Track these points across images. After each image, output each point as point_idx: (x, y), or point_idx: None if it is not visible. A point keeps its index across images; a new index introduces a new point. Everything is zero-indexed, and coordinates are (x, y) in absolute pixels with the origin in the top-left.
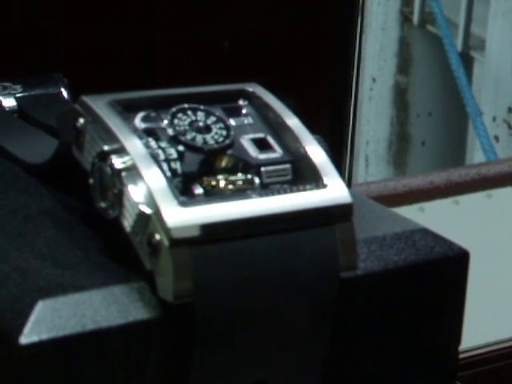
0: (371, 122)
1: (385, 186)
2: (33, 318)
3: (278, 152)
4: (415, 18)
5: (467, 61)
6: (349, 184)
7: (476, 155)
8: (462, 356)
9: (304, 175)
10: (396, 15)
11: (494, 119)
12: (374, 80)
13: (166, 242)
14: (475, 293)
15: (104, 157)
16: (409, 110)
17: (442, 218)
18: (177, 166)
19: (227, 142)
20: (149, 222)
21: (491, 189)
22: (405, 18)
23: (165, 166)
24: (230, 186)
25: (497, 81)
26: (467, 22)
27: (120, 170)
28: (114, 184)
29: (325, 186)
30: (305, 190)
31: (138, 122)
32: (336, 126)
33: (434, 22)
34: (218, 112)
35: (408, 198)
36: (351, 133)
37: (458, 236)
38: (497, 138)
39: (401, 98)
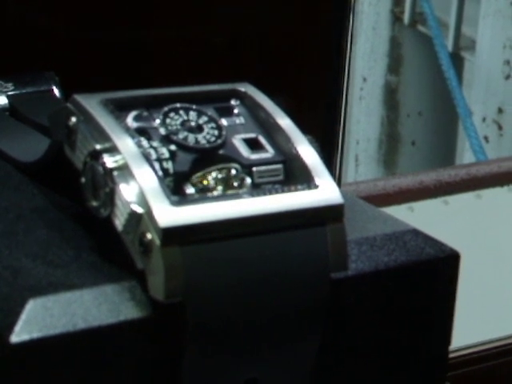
0: (361, 122)
1: (374, 185)
2: (24, 316)
3: (269, 152)
4: (406, 18)
5: (458, 61)
6: (338, 183)
7: (466, 155)
8: (451, 355)
9: (295, 175)
10: (387, 15)
11: (484, 120)
12: (364, 80)
13: (157, 242)
14: (465, 292)
15: (96, 156)
16: (399, 109)
17: (432, 218)
18: (168, 165)
19: (219, 141)
20: (140, 221)
21: (481, 189)
22: (395, 18)
23: (156, 165)
24: (222, 186)
25: (487, 81)
26: (458, 22)
27: (112, 169)
28: (105, 183)
29: (316, 187)
30: (296, 190)
31: (130, 121)
32: (327, 126)
33: (425, 22)
34: (210, 112)
35: (397, 198)
36: (342, 132)
37: (447, 236)
38: (486, 139)
39: (391, 98)
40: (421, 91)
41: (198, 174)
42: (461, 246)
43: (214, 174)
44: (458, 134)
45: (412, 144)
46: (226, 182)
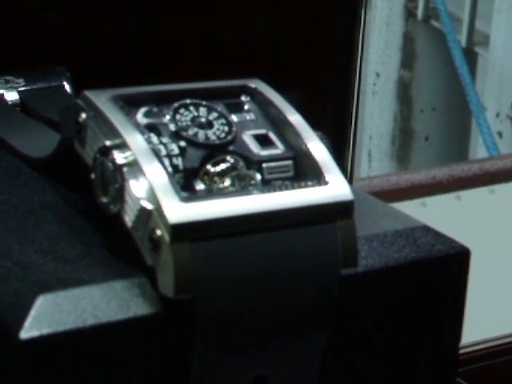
0: (375, 117)
1: (387, 180)
2: (33, 312)
3: (279, 148)
4: (419, 13)
5: (471, 56)
6: (350, 179)
7: (479, 151)
8: (462, 351)
9: (305, 172)
10: (400, 10)
11: (498, 115)
12: (377, 75)
13: (166, 238)
14: (476, 288)
15: (106, 152)
16: (412, 105)
17: (444, 214)
18: (178, 161)
19: (229, 137)
20: (150, 217)
21: (493, 184)
22: (409, 13)
23: (166, 161)
24: (232, 182)
25: (501, 76)
26: (471, 17)
27: (121, 165)
28: (115, 179)
29: (326, 183)
30: (306, 186)
31: (140, 117)
32: (339, 121)
33: (439, 17)
34: (220, 108)
35: (410, 193)
36: (353, 128)
37: (459, 231)
38: (500, 134)
39: (404, 93)
40: (434, 86)
41: (208, 171)
42: (473, 241)
43: (223, 171)
44: (471, 129)
45: (425, 139)
46: (236, 179)
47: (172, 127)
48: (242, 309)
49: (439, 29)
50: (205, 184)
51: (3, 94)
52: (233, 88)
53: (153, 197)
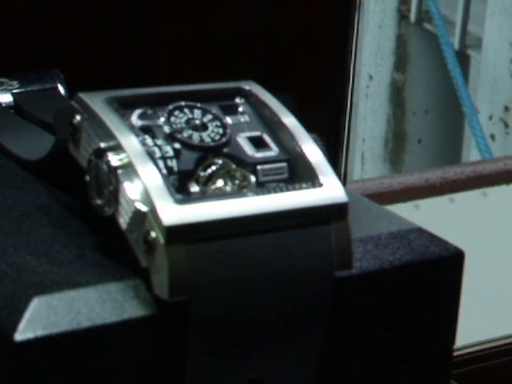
0: (367, 120)
1: (380, 183)
2: (28, 314)
3: (274, 150)
4: (412, 16)
5: (464, 59)
6: (344, 181)
7: (472, 153)
8: (456, 353)
9: (300, 174)
10: (393, 13)
11: (491, 118)
12: (370, 77)
13: (161, 240)
14: (470, 290)
15: (100, 154)
16: (405, 107)
17: (437, 216)
18: (173, 163)
19: (223, 140)
20: (144, 219)
21: (486, 187)
22: (402, 16)
23: (161, 163)
24: (226, 184)
25: (493, 79)
26: (464, 20)
27: (116, 168)
28: (110, 181)
29: (321, 185)
30: (301, 188)
31: (135, 119)
32: (332, 124)
33: (432, 19)
34: (215, 110)
35: (403, 196)
36: (347, 130)
37: (452, 234)
38: (493, 137)
39: (397, 96)
40: (427, 89)
41: (203, 173)
42: (466, 243)
43: (218, 173)
44: (464, 131)
45: (418, 142)
46: (231, 181)
47: (166, 129)
48: (236, 311)
49: (432, 31)
50: (199, 186)
51: None
52: (227, 90)
53: (147, 199)
